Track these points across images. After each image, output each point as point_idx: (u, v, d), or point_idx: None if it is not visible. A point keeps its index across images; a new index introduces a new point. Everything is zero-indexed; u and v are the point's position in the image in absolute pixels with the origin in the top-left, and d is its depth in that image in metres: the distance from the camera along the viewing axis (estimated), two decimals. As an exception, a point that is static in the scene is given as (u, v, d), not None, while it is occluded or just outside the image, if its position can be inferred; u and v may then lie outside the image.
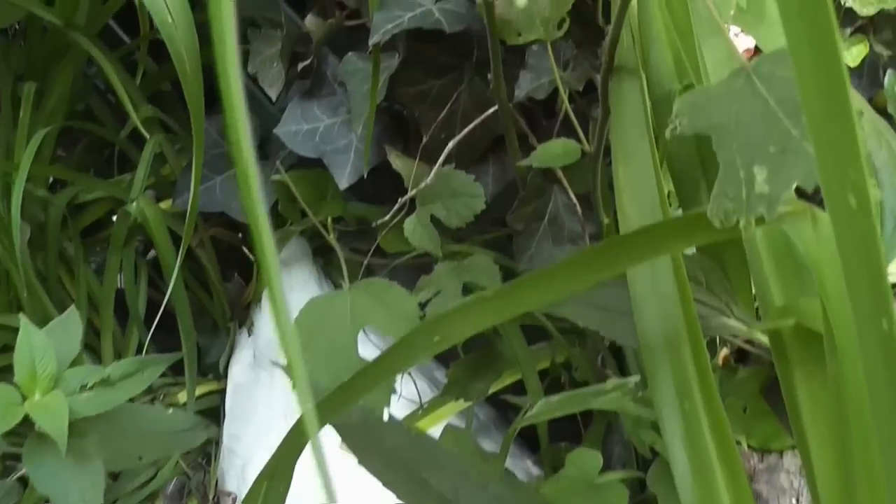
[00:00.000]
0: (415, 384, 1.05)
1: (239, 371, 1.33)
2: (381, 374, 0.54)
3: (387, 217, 0.91)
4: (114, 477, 1.27)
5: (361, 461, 0.62)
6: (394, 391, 0.72)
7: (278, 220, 1.24)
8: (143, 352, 1.20)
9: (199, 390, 1.35)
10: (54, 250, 1.19)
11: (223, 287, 1.42)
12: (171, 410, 0.87)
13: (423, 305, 0.88)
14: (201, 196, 1.19)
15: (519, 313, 0.50)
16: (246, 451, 1.21)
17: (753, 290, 0.56)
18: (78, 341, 0.86)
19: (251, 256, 1.44)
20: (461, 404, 1.04)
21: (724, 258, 0.58)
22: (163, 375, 1.38)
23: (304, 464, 0.96)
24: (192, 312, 1.48)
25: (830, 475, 0.49)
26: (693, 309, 0.53)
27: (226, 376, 1.36)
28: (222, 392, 1.37)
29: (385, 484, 0.62)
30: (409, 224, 0.91)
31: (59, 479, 0.77)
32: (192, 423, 0.85)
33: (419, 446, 0.63)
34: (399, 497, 0.62)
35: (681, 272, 0.53)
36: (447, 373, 1.00)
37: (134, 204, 1.07)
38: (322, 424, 0.61)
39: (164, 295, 1.19)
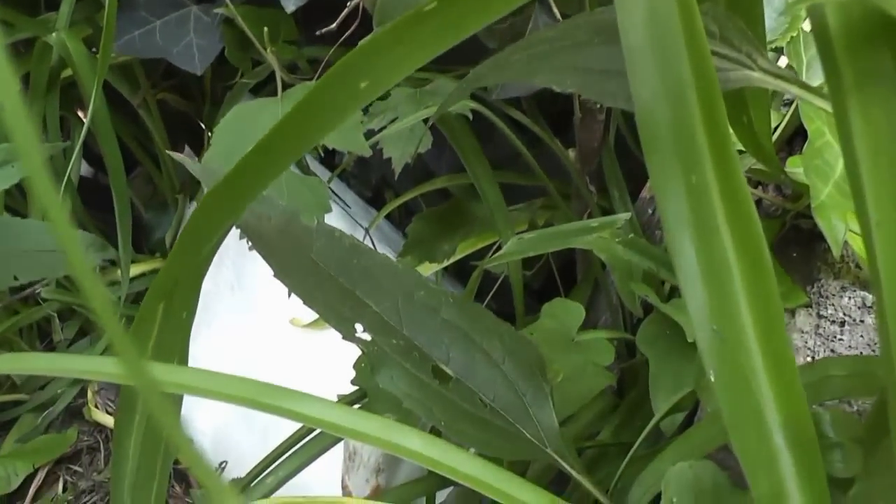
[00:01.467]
0: (372, 243, 0.92)
1: (186, 246, 1.19)
2: (292, 141, 0.41)
3: (333, 25, 0.77)
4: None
5: (279, 273, 0.49)
6: (331, 199, 0.59)
7: (228, 70, 1.10)
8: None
9: (144, 267, 1.23)
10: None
11: (171, 157, 1.28)
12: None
13: (376, 132, 0.75)
14: (139, 41, 1.06)
15: (472, 30, 0.36)
16: (189, 329, 1.09)
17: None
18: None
19: (202, 125, 1.30)
20: (426, 267, 0.91)
21: None
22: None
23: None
24: (140, 186, 1.36)
25: None
26: (706, 54, 0.40)
27: (173, 252, 1.22)
28: (169, 270, 1.24)
29: (307, 301, 0.49)
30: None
31: None
32: (85, 242, 0.71)
33: (354, 258, 0.50)
34: (325, 318, 0.49)
35: (689, 9, 0.40)
36: (408, 228, 0.87)
37: (54, 35, 0.93)
38: (225, 221, 0.48)
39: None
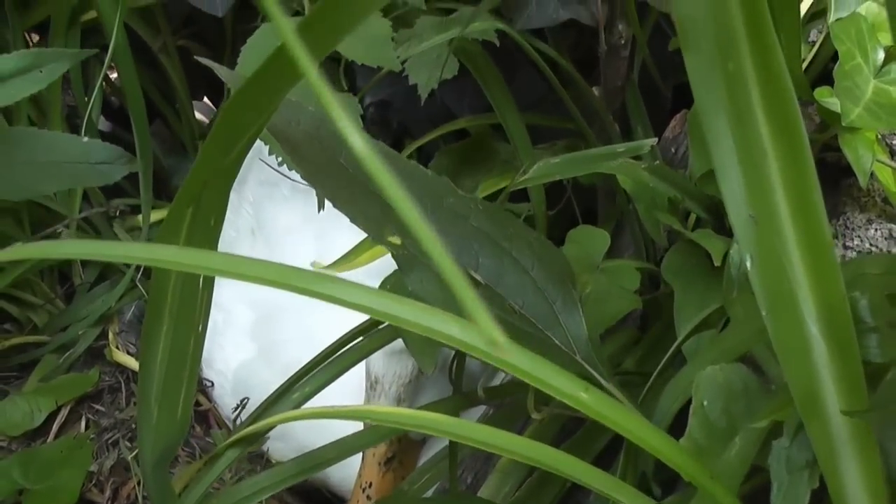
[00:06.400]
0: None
1: (206, 192, 1.19)
2: (319, 34, 0.40)
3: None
4: (66, 301, 1.15)
5: (307, 175, 0.49)
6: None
7: (250, 13, 1.10)
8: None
9: (164, 213, 1.22)
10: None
11: (191, 104, 1.28)
12: (85, 139, 0.73)
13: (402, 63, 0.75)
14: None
15: None
16: (210, 275, 1.09)
17: None
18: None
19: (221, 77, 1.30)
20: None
21: None
22: (125, 195, 1.24)
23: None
24: (158, 133, 1.35)
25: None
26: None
27: (192, 199, 1.22)
28: (189, 217, 1.24)
29: (336, 204, 0.49)
30: (388, -28, 0.77)
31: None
32: (111, 155, 0.71)
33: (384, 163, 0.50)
34: (353, 220, 0.49)
35: None
36: (430, 164, 0.87)
37: (76, -27, 0.92)
38: (252, 122, 0.48)
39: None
